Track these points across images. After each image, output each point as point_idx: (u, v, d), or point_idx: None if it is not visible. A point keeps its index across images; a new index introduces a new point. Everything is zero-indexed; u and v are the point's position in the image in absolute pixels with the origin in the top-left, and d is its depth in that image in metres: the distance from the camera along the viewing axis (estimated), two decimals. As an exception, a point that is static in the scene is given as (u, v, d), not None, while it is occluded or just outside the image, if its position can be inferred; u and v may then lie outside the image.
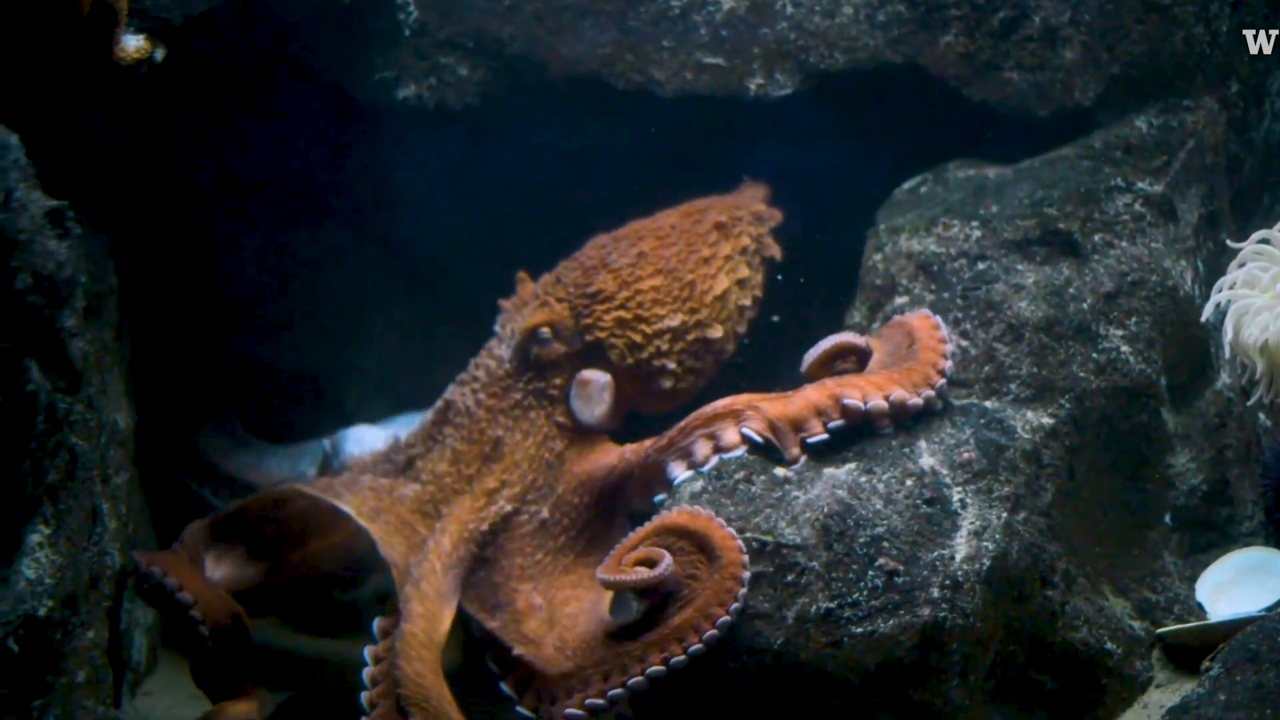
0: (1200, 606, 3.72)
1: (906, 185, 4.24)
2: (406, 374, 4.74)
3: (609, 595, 3.55)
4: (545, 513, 3.67)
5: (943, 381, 3.59)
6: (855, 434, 3.52)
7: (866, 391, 3.52)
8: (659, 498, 3.59)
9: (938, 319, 3.75)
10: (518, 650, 3.46)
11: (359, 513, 3.66)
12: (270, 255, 4.76)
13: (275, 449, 4.62)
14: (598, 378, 3.77)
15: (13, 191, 3.14)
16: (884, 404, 3.51)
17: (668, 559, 3.28)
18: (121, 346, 4.03)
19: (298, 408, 4.80)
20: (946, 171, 4.22)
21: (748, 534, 3.37)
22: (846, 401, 3.51)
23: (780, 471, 3.49)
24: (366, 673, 3.46)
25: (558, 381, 3.79)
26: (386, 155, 4.59)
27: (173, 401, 4.56)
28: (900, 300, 3.85)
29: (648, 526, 3.41)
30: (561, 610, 3.54)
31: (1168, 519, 3.85)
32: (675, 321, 3.80)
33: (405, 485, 3.78)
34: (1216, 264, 3.99)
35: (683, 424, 3.61)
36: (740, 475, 3.50)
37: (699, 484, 3.51)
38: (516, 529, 3.66)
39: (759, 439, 3.52)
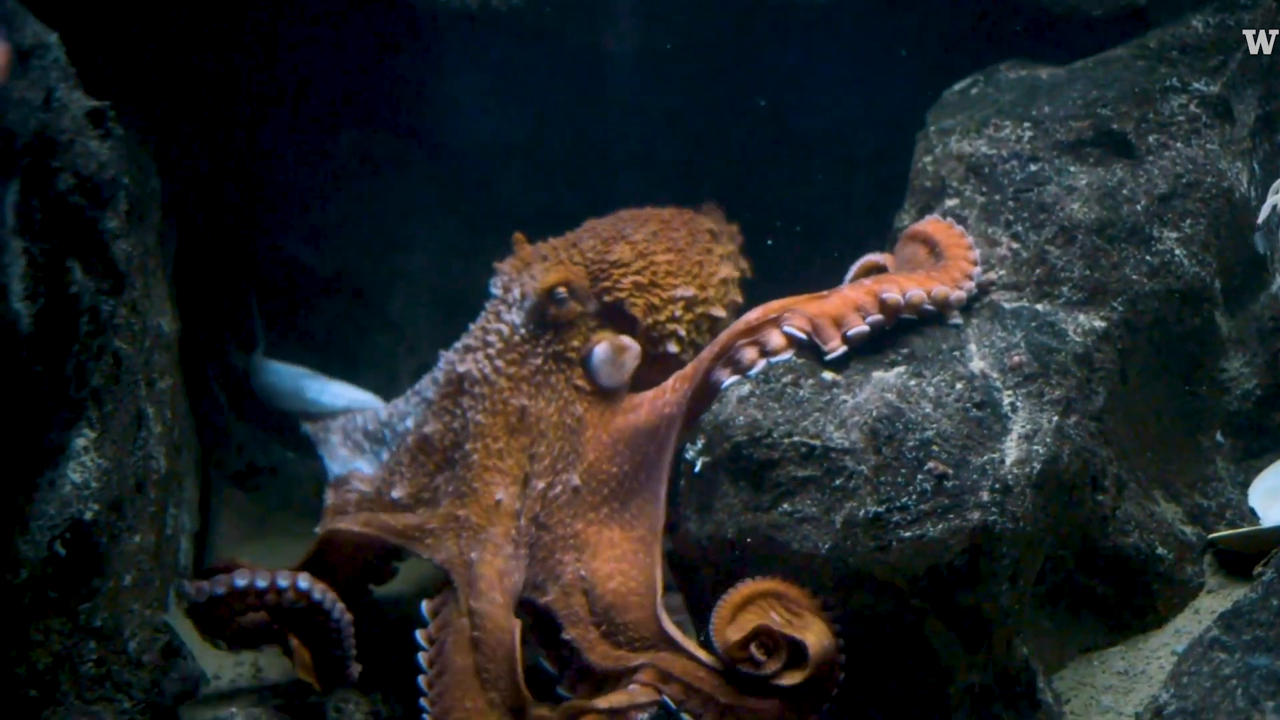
0: (1253, 512, 3.70)
1: (957, 86, 4.18)
2: (450, 281, 4.72)
3: (657, 571, 3.49)
4: (576, 480, 3.61)
5: (978, 270, 3.61)
6: (904, 336, 3.49)
7: (905, 287, 3.51)
8: (705, 416, 3.54)
9: (949, 220, 3.75)
10: (569, 633, 3.45)
11: (404, 534, 3.64)
12: (314, 160, 4.73)
13: (301, 378, 4.56)
14: (630, 343, 3.74)
15: (53, 91, 3.12)
16: (923, 295, 3.50)
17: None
18: (165, 251, 4.02)
19: (342, 314, 4.80)
20: (998, 72, 4.15)
21: (796, 438, 3.35)
22: (885, 296, 3.49)
23: (828, 375, 3.46)
24: (423, 656, 3.43)
25: (575, 344, 3.75)
26: (431, 59, 4.54)
27: (215, 308, 4.55)
28: (950, 203, 3.80)
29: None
30: (605, 585, 3.49)
31: (1219, 437, 3.81)
32: (689, 292, 3.81)
33: (433, 479, 3.74)
34: (1273, 165, 3.94)
35: (721, 340, 3.58)
36: (788, 379, 3.47)
37: (746, 388, 3.48)
38: (553, 503, 3.61)
39: (802, 335, 3.49)
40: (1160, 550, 3.57)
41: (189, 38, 4.26)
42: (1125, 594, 3.55)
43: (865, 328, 3.48)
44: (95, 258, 3.22)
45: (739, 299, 3.92)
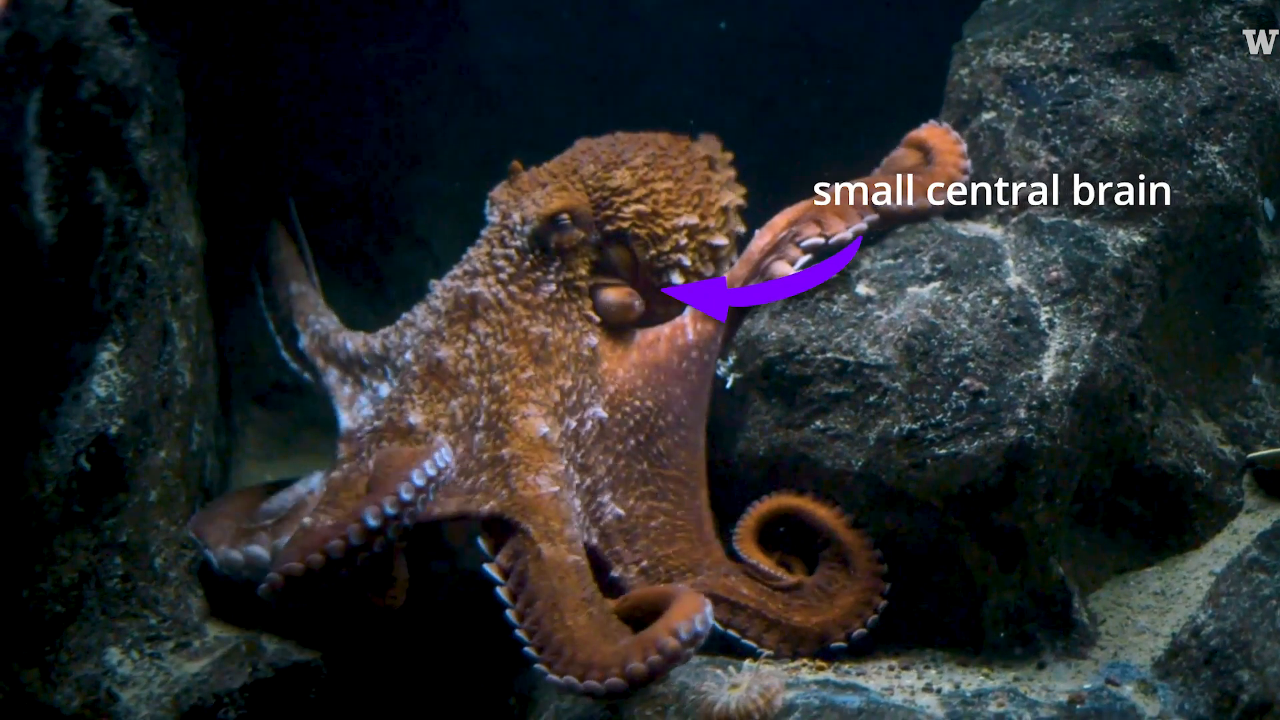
0: (1293, 432, 3.67)
1: (995, -3, 4.11)
2: (475, 196, 4.68)
3: (703, 501, 3.48)
4: (602, 413, 3.57)
5: (966, 177, 3.65)
6: (939, 250, 3.45)
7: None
8: (738, 331, 3.52)
9: (946, 125, 3.76)
10: (616, 571, 3.42)
11: (470, 501, 3.48)
12: (338, 76, 4.69)
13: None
14: (637, 301, 3.71)
15: (75, -3, 3.09)
16: (911, 204, 3.57)
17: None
18: (189, 165, 3.97)
19: (367, 231, 4.77)
20: (1037, -17, 4.08)
21: (829, 354, 3.32)
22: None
23: (862, 290, 3.43)
24: (503, 591, 3.31)
25: (583, 272, 3.70)
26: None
27: (240, 224, 4.51)
28: (987, 116, 3.74)
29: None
30: (645, 524, 3.47)
31: (1260, 355, 3.77)
32: (692, 220, 3.74)
33: (447, 404, 3.64)
34: (1317, 78, 3.86)
35: (751, 259, 3.55)
36: (821, 294, 3.44)
37: (779, 303, 3.46)
38: (585, 441, 3.57)
39: (822, 240, 3.50)
40: (1199, 469, 3.54)
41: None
42: (1163, 514, 3.52)
43: (863, 225, 3.53)
44: (118, 168, 3.20)
45: (741, 228, 3.84)
